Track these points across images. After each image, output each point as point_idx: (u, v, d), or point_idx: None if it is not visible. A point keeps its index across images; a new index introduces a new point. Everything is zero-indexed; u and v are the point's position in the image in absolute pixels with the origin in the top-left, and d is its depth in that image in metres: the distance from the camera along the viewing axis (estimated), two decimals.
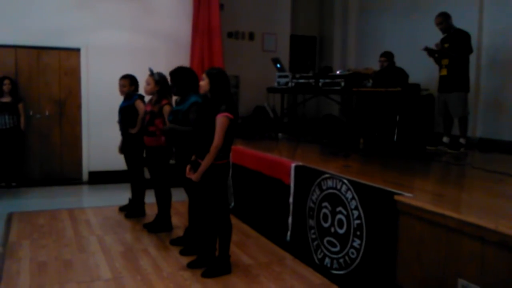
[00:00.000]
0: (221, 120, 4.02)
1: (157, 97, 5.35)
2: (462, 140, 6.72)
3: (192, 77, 4.89)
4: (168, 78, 5.07)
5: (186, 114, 4.69)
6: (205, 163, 4.07)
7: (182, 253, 4.77)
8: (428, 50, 6.78)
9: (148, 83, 5.38)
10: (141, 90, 6.05)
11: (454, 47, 6.59)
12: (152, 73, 5.40)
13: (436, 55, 6.81)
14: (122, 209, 6.36)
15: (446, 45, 6.69)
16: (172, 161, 5.25)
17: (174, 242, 5.08)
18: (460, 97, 6.62)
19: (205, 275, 4.21)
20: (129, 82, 6.01)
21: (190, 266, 4.42)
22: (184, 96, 4.84)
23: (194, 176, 4.16)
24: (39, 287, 3.97)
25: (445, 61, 6.72)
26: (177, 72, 4.90)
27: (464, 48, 6.56)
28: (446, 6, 7.20)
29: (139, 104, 5.91)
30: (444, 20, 6.72)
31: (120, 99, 6.11)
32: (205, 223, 4.45)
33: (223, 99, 4.09)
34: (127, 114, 5.96)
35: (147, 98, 5.79)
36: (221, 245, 4.28)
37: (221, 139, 4.02)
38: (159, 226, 5.53)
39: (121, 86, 6.00)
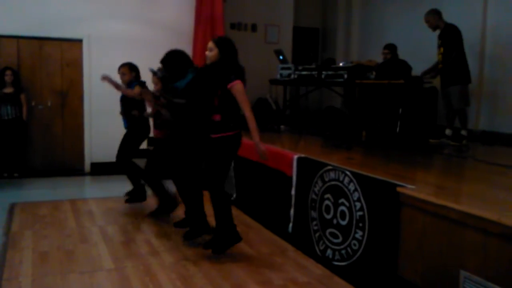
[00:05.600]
0: (237, 88, 4.02)
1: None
2: (463, 132, 6.72)
3: (185, 58, 4.86)
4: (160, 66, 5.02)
5: (184, 91, 4.66)
6: (254, 133, 4.10)
7: (186, 237, 4.81)
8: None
9: (155, 83, 5.39)
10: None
11: (445, 43, 6.64)
12: (155, 73, 5.39)
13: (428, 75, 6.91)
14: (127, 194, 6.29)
15: (439, 42, 6.74)
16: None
17: (178, 224, 5.14)
18: (455, 90, 6.62)
19: (216, 251, 4.29)
20: (128, 69, 5.92)
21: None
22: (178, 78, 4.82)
23: (261, 151, 4.13)
24: (41, 277, 3.98)
25: (439, 57, 6.78)
26: (169, 59, 4.85)
27: (452, 44, 6.58)
28: None
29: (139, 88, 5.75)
30: (430, 18, 6.77)
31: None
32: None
33: (232, 68, 4.06)
34: (128, 104, 5.90)
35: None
36: (225, 216, 4.30)
37: (249, 104, 4.07)
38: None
39: (122, 75, 5.92)
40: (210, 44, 4.13)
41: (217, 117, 4.14)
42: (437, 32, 6.83)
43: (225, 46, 4.09)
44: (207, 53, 4.14)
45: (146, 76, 5.96)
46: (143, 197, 6.17)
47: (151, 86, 5.69)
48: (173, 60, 4.80)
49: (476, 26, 7.06)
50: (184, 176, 4.88)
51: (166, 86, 5.29)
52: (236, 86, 4.01)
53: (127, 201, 6.15)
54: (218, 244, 4.32)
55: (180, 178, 4.97)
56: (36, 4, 7.78)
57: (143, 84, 5.91)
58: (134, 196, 6.16)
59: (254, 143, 4.17)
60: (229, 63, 4.07)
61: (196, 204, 4.82)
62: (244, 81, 4.12)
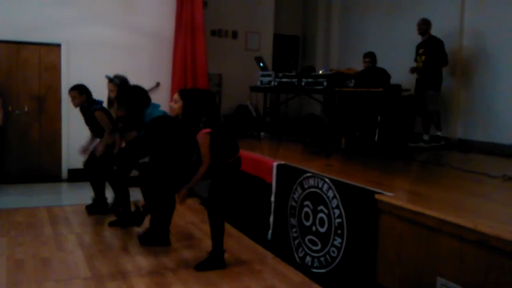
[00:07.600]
0: (200, 139, 4.07)
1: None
2: (439, 133, 6.95)
3: (139, 94, 4.67)
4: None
5: (147, 136, 4.64)
6: (193, 182, 4.20)
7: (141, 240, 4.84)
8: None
9: (111, 90, 5.33)
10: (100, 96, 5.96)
11: (428, 52, 6.94)
12: (111, 79, 5.30)
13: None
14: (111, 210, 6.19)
15: (420, 51, 7.11)
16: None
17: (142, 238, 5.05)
18: (430, 94, 7.05)
19: (199, 268, 4.28)
20: (78, 93, 5.76)
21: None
22: (137, 117, 4.66)
23: (181, 194, 4.26)
24: (16, 285, 3.90)
25: (420, 64, 7.15)
26: (126, 96, 4.68)
27: (438, 56, 6.92)
28: (427, 7, 7.27)
29: (102, 118, 5.63)
30: (422, 23, 7.12)
31: (101, 96, 5.99)
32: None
33: (199, 117, 4.11)
34: (90, 122, 5.83)
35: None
36: (218, 240, 4.33)
37: (207, 158, 4.09)
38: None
39: (72, 99, 5.77)
40: (176, 96, 4.19)
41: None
42: (417, 37, 7.05)
43: (190, 98, 4.15)
44: (171, 104, 4.18)
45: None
46: (105, 210, 6.07)
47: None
48: (130, 97, 4.65)
49: (453, 33, 7.17)
50: (150, 183, 4.85)
51: (121, 93, 5.19)
52: (199, 138, 4.06)
53: (90, 212, 6.07)
54: (206, 263, 4.33)
55: (146, 185, 4.93)
56: (14, 8, 7.66)
57: (100, 104, 5.76)
58: (96, 207, 6.08)
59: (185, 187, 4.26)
60: (193, 114, 4.12)
61: (159, 211, 4.80)
62: (214, 122, 4.14)
